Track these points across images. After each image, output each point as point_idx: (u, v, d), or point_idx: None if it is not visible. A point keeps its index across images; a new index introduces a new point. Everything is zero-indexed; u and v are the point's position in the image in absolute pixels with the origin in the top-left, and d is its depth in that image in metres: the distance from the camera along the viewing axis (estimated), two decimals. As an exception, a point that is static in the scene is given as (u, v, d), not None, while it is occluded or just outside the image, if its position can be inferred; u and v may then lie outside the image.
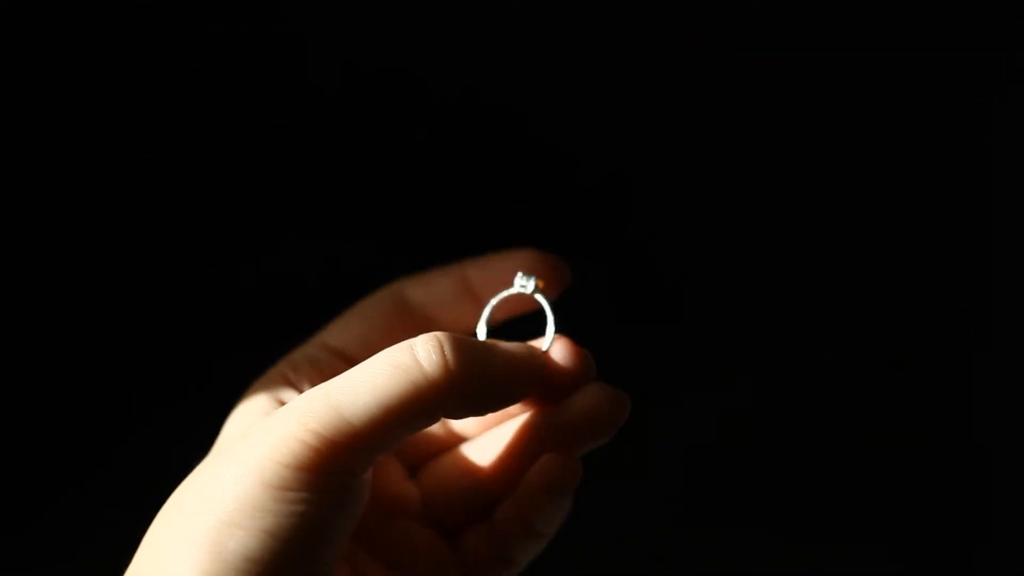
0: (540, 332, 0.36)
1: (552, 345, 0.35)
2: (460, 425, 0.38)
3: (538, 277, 0.37)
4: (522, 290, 0.37)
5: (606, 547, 0.61)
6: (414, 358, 0.30)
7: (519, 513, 0.34)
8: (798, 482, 0.62)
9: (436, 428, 0.37)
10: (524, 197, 0.62)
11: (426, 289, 0.38)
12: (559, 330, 0.36)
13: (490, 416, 0.36)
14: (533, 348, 0.34)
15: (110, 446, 0.57)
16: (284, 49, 0.60)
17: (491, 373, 0.32)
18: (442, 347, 0.30)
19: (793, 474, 0.62)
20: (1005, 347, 0.63)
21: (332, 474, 0.28)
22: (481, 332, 0.37)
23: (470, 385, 0.31)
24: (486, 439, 0.36)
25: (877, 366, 0.62)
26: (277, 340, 0.59)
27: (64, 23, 0.58)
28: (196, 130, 0.60)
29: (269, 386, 0.35)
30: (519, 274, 0.37)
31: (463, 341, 0.31)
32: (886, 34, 0.62)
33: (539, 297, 0.37)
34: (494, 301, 0.37)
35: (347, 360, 0.36)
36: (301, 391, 0.35)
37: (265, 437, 0.28)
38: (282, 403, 0.34)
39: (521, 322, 0.38)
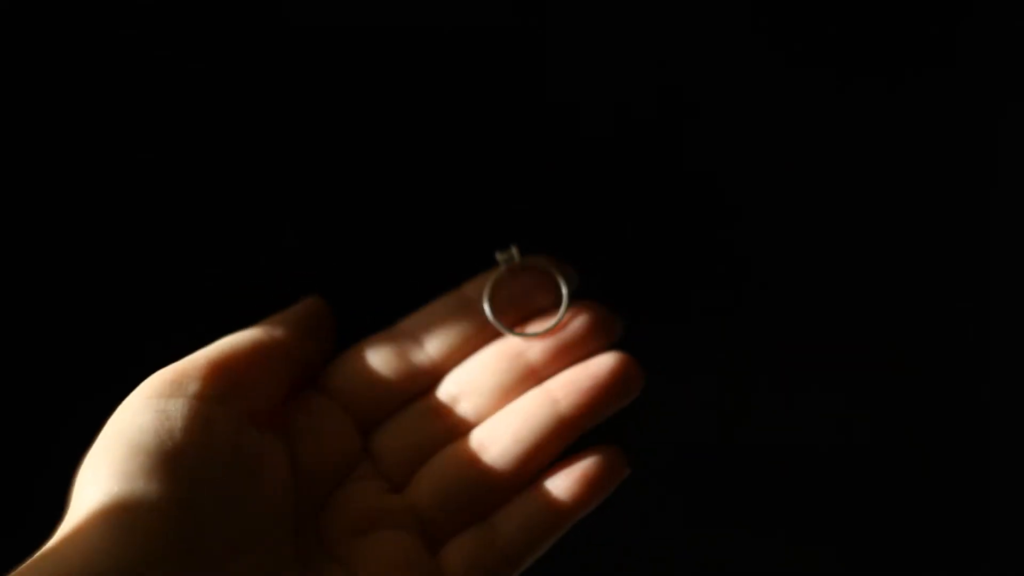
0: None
1: (571, 318, 0.35)
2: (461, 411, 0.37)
3: (515, 247, 0.37)
4: (509, 263, 0.37)
5: (604, 548, 0.61)
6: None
7: (534, 510, 0.33)
8: (798, 483, 0.62)
9: (430, 423, 0.36)
10: (524, 197, 0.62)
11: (420, 317, 0.38)
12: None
13: (493, 401, 0.35)
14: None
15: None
16: (284, 48, 0.60)
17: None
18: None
19: (793, 474, 0.62)
20: (1005, 347, 0.63)
21: (190, 391, 0.31)
22: (490, 317, 0.36)
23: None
24: (490, 428, 0.35)
25: (877, 366, 0.62)
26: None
27: (64, 23, 0.58)
28: (196, 130, 0.60)
29: None
30: (496, 253, 0.37)
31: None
32: (884, 45, 0.62)
33: (540, 260, 0.36)
34: (488, 287, 0.36)
35: (340, 407, 0.36)
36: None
37: None
38: None
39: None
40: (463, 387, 0.36)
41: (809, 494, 0.62)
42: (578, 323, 0.36)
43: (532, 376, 0.35)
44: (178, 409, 0.30)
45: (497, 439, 0.34)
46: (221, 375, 0.32)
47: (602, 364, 0.35)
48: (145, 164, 0.59)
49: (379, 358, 0.36)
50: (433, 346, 0.36)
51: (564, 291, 0.35)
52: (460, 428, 0.35)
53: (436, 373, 0.36)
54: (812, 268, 0.63)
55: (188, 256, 0.60)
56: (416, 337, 0.37)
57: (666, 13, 0.62)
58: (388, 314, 0.61)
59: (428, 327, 0.37)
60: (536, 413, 0.34)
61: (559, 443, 0.34)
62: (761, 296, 0.63)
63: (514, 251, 0.36)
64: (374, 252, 0.61)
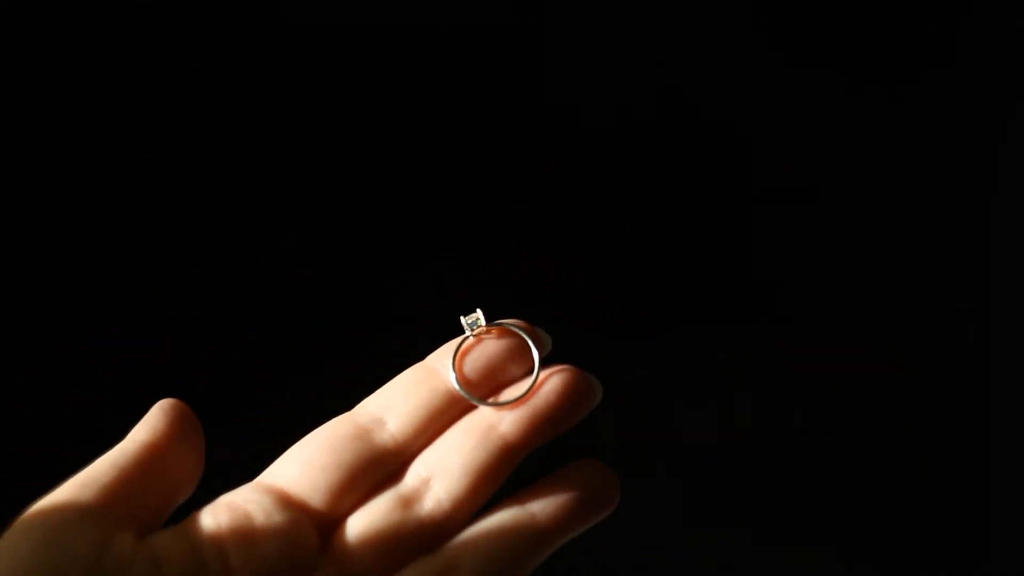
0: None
1: (545, 384, 0.33)
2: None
3: (480, 310, 0.34)
4: (477, 328, 0.34)
5: (605, 548, 0.61)
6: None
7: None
8: (798, 483, 0.62)
9: (399, 515, 0.33)
10: (524, 197, 0.62)
11: (382, 395, 0.34)
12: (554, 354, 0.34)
13: (466, 482, 0.33)
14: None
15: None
16: (283, 48, 0.60)
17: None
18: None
19: (793, 475, 0.62)
20: (1005, 347, 0.63)
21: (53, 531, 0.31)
22: (457, 387, 0.33)
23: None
24: (463, 543, 0.33)
25: (877, 366, 0.62)
26: (280, 343, 0.59)
27: (64, 23, 0.58)
28: (196, 130, 0.60)
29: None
30: (461, 318, 0.33)
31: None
32: (884, 45, 0.62)
33: (509, 323, 0.33)
34: (453, 354, 0.33)
35: (286, 504, 0.33)
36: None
37: None
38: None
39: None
40: (433, 469, 0.33)
41: (809, 494, 0.62)
42: (552, 389, 0.33)
43: (506, 451, 0.32)
44: (32, 541, 0.30)
45: (470, 556, 0.32)
46: (86, 496, 0.31)
47: (580, 477, 0.33)
48: (145, 164, 0.59)
49: (338, 445, 0.33)
50: (397, 426, 0.33)
51: (535, 355, 0.33)
52: (433, 517, 0.33)
53: (403, 455, 0.33)
54: (812, 268, 0.63)
55: (188, 256, 0.60)
56: (378, 418, 0.34)
57: (666, 13, 0.62)
58: (390, 312, 0.61)
59: (391, 406, 0.34)
60: (513, 529, 0.32)
61: (535, 560, 0.33)
62: (761, 296, 0.63)
63: (479, 314, 0.34)
64: (375, 251, 0.61)
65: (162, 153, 0.59)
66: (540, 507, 0.32)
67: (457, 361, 0.33)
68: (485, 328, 0.33)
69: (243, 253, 0.60)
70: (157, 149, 0.59)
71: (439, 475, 0.33)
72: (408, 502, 0.33)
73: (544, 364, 0.33)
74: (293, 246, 0.61)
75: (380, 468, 0.33)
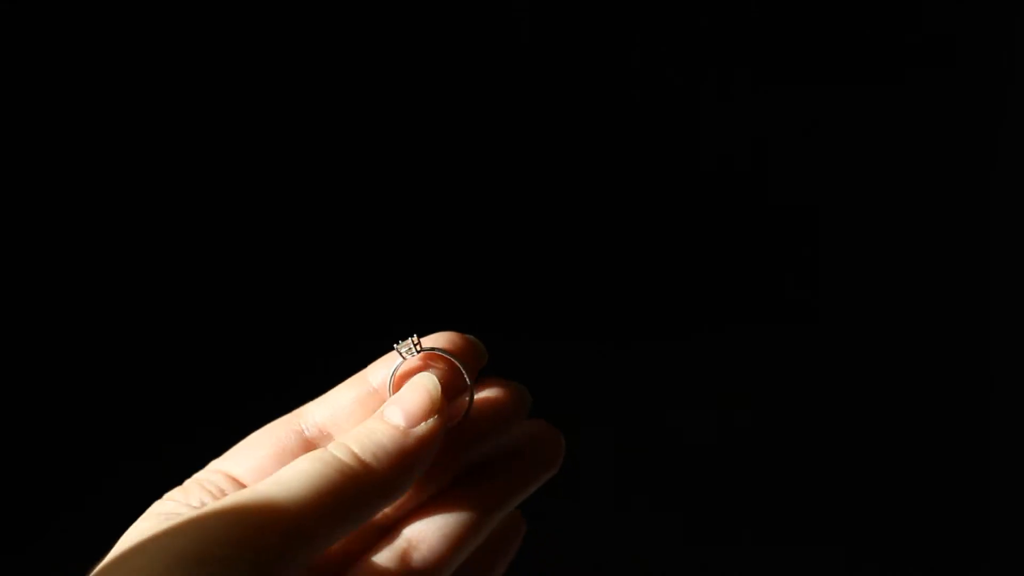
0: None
1: (479, 405, 0.34)
2: None
3: (416, 336, 0.35)
4: (410, 355, 0.35)
5: (605, 550, 0.62)
6: (340, 457, 0.32)
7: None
8: (799, 484, 0.63)
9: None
10: (527, 199, 0.62)
11: (327, 407, 0.35)
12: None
13: (414, 492, 0.34)
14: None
15: (115, 462, 0.57)
16: (282, 49, 0.60)
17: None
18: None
19: (794, 476, 0.63)
20: (1005, 347, 0.63)
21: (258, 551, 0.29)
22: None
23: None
24: (417, 528, 0.34)
25: (877, 367, 0.62)
26: (288, 354, 0.59)
27: (64, 23, 0.58)
28: (196, 130, 0.60)
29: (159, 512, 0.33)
30: (395, 344, 0.34)
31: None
32: (885, 54, 0.62)
33: (436, 350, 0.34)
34: (391, 380, 0.34)
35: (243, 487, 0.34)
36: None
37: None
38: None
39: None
40: None
41: (809, 494, 0.62)
42: (485, 412, 0.35)
43: (450, 464, 0.34)
44: (186, 560, 0.28)
45: (427, 534, 0.34)
46: (251, 523, 0.30)
47: (525, 442, 0.34)
48: (145, 164, 0.59)
49: (287, 459, 0.34)
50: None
51: (466, 378, 0.34)
52: (385, 526, 0.35)
53: None
54: (811, 269, 0.63)
55: (188, 257, 0.60)
56: (326, 434, 0.35)
57: (667, 13, 0.62)
58: (389, 313, 0.61)
59: (336, 424, 0.35)
60: (464, 502, 0.34)
61: (489, 525, 0.34)
62: (759, 301, 0.63)
63: (412, 341, 0.35)
64: (373, 251, 0.61)
65: (162, 153, 0.59)
66: (489, 476, 0.34)
67: (393, 389, 0.34)
68: (419, 355, 0.34)
69: (241, 255, 0.60)
70: (157, 149, 0.59)
71: None
72: None
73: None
74: (286, 251, 0.61)
75: None
